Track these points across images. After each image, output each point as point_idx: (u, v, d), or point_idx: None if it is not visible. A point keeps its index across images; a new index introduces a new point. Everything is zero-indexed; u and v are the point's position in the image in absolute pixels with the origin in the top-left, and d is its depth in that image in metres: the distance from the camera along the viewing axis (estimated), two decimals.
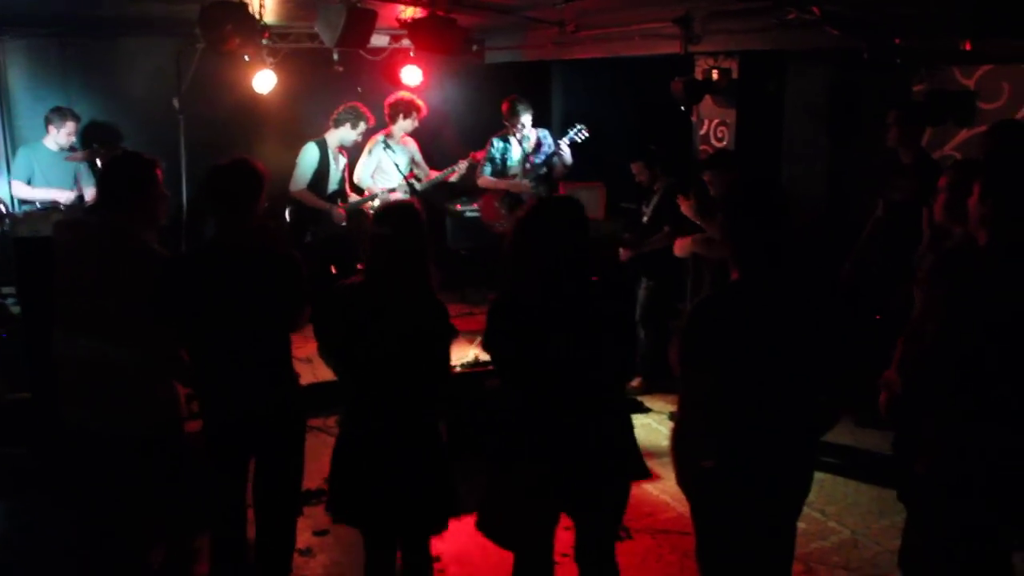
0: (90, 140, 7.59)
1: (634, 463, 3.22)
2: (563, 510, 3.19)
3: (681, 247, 5.79)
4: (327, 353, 3.37)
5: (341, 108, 7.19)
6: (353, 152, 7.45)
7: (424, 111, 7.35)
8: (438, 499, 3.33)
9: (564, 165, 7.35)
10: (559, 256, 3.01)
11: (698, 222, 5.49)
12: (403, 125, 7.32)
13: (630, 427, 3.24)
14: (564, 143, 7.24)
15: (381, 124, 7.48)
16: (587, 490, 3.11)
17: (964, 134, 6.11)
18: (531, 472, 3.03)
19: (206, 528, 3.83)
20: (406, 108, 7.27)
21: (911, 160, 5.40)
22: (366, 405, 3.26)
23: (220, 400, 3.54)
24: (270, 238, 3.59)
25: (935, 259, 3.39)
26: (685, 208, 5.54)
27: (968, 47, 5.10)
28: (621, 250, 6.51)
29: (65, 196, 7.08)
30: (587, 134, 7.26)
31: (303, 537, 4.41)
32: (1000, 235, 2.92)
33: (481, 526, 3.26)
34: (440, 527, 3.40)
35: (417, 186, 7.17)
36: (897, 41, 5.27)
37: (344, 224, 7.21)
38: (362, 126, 7.16)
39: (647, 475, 3.23)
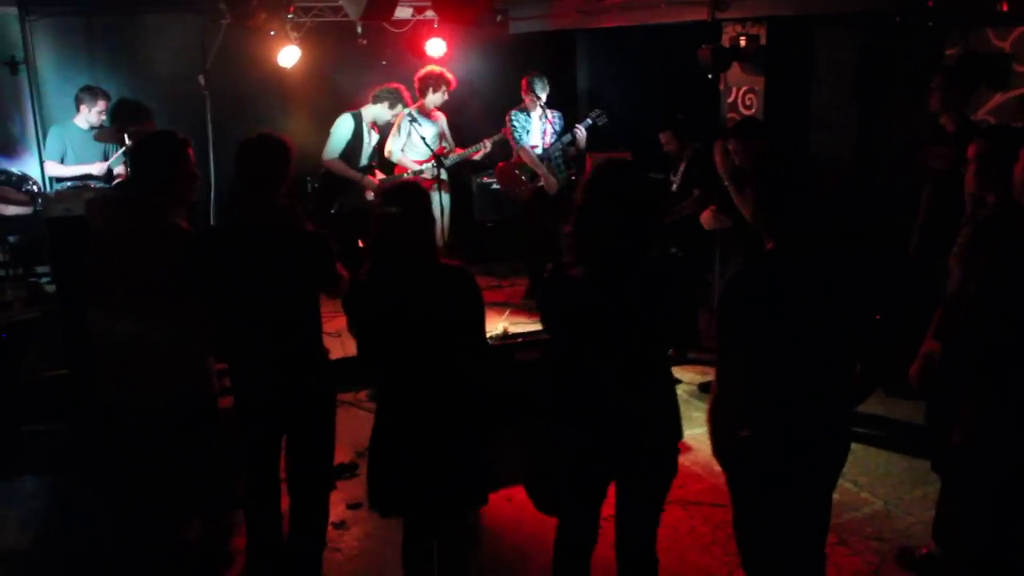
0: (119, 118, 7.64)
1: (677, 431, 3.17)
2: (611, 480, 3.16)
3: (707, 219, 5.75)
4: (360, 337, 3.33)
5: (383, 86, 7.17)
6: (385, 129, 7.45)
7: (454, 84, 7.32)
8: (477, 480, 3.30)
9: (579, 148, 7.31)
10: (625, 227, 2.88)
11: (726, 183, 5.42)
12: (433, 99, 7.29)
13: (675, 395, 3.20)
14: (581, 127, 7.20)
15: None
16: (637, 461, 3.06)
17: (999, 98, 5.98)
18: (581, 440, 3.02)
19: (241, 503, 3.87)
20: (436, 81, 7.24)
21: (955, 128, 5.17)
22: (400, 390, 3.22)
23: (250, 376, 3.56)
24: (297, 217, 3.59)
25: (971, 231, 3.34)
26: (720, 161, 5.45)
27: (1005, 8, 4.99)
28: None
29: (98, 168, 7.11)
30: (607, 119, 7.24)
31: (337, 510, 4.47)
32: None
33: (530, 494, 3.27)
34: (480, 503, 3.39)
35: (446, 161, 7.17)
36: (930, 3, 5.17)
37: (372, 196, 7.22)
38: (399, 108, 7.16)
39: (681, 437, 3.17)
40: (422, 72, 7.32)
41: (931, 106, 5.28)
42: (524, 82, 7.25)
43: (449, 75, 7.30)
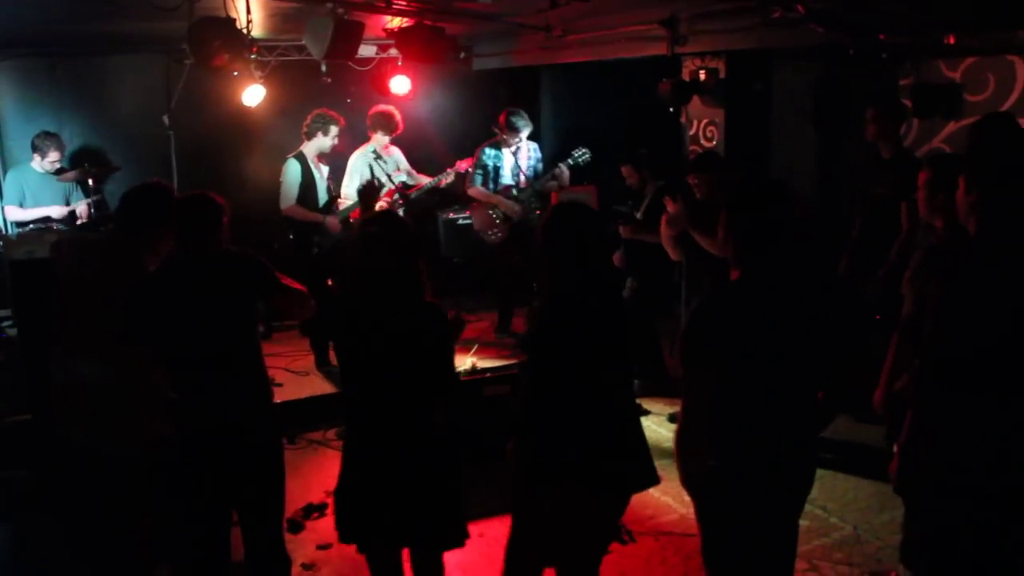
0: (81, 159, 7.61)
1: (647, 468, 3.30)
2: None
3: (664, 237, 5.79)
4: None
5: (308, 119, 7.09)
6: (335, 161, 7.43)
7: (400, 127, 7.34)
8: (449, 518, 3.28)
9: (561, 187, 7.32)
10: (590, 260, 3.15)
11: (684, 226, 5.49)
12: (381, 139, 7.34)
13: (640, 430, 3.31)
14: (563, 166, 7.23)
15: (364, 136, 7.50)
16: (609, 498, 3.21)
17: (951, 126, 6.14)
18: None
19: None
20: (386, 121, 7.29)
21: (890, 155, 5.45)
22: (369, 418, 3.23)
23: (190, 416, 3.46)
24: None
25: (922, 255, 3.42)
26: (671, 208, 5.54)
27: (952, 41, 5.15)
28: (621, 229, 6.41)
29: (58, 212, 7.10)
30: (589, 158, 7.26)
31: (306, 551, 4.43)
32: (989, 226, 2.95)
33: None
34: (454, 542, 3.32)
35: (411, 195, 7.20)
36: (882, 37, 5.32)
37: (341, 232, 7.19)
38: (333, 130, 7.07)
39: (656, 481, 3.28)
40: (374, 111, 7.34)
41: (868, 135, 5.54)
42: (502, 119, 7.24)
43: (397, 116, 7.30)
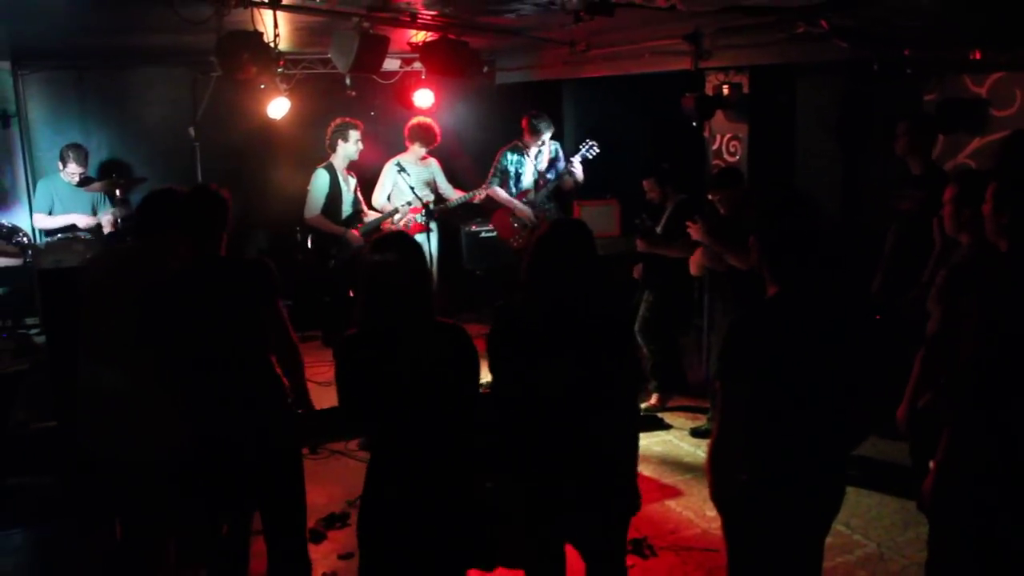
0: (108, 170, 7.71)
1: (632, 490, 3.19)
2: (567, 531, 3.17)
3: (694, 263, 5.79)
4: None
5: (328, 131, 7.22)
6: (363, 173, 7.50)
7: (438, 139, 7.52)
8: (475, 538, 3.14)
9: (576, 182, 7.43)
10: (566, 279, 3.05)
11: (708, 243, 5.50)
12: (418, 151, 7.47)
13: (635, 451, 3.22)
14: (576, 160, 7.33)
15: (394, 147, 7.56)
16: (590, 512, 3.09)
17: (977, 142, 6.09)
18: (533, 493, 3.04)
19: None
20: (424, 134, 7.43)
21: (920, 171, 5.40)
22: (393, 443, 3.10)
23: (204, 422, 3.47)
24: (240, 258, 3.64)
25: (947, 272, 3.40)
26: (694, 232, 5.56)
27: (978, 56, 5.12)
28: (638, 241, 6.38)
29: (84, 221, 7.19)
30: (598, 150, 7.36)
31: (329, 561, 4.44)
32: (1021, 244, 2.95)
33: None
34: (482, 564, 3.21)
35: (445, 206, 7.34)
36: (906, 52, 5.29)
37: (361, 245, 7.26)
38: (353, 135, 7.17)
39: (637, 508, 3.20)
40: (412, 122, 7.48)
41: (897, 151, 5.50)
42: (525, 123, 7.36)
43: (435, 128, 7.44)
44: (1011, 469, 2.91)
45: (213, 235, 3.53)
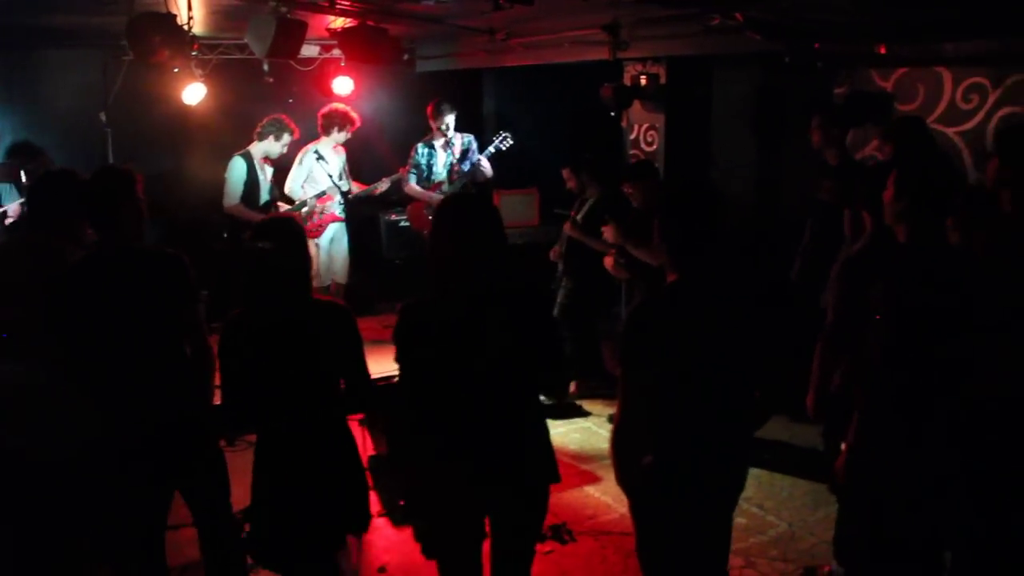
0: (14, 155, 7.42)
1: (549, 467, 3.18)
2: (483, 516, 3.16)
3: (609, 264, 5.84)
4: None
5: (265, 120, 7.12)
6: (279, 162, 7.39)
7: (357, 123, 7.37)
8: (355, 509, 3.31)
9: (485, 176, 7.37)
10: (465, 256, 2.98)
11: (621, 244, 5.56)
12: (336, 137, 7.34)
13: (546, 431, 3.19)
14: (483, 157, 7.28)
15: (311, 134, 7.45)
16: (507, 495, 3.08)
17: None
18: (448, 478, 3.04)
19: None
20: (341, 120, 7.28)
21: (836, 162, 5.54)
22: (275, 429, 3.19)
23: (115, 417, 3.35)
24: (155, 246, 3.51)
25: (844, 260, 3.52)
26: (608, 235, 5.63)
27: (883, 50, 5.29)
28: (565, 225, 6.42)
29: None
30: (511, 141, 7.30)
31: None
32: (919, 229, 3.07)
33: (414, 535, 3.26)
34: (360, 528, 3.39)
35: (351, 195, 7.25)
36: (816, 46, 5.44)
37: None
38: (286, 138, 7.10)
39: (557, 479, 3.19)
40: (326, 109, 7.35)
41: (813, 143, 5.60)
42: (429, 109, 7.28)
43: (353, 114, 7.34)
44: (918, 449, 3.03)
45: (119, 221, 3.34)
